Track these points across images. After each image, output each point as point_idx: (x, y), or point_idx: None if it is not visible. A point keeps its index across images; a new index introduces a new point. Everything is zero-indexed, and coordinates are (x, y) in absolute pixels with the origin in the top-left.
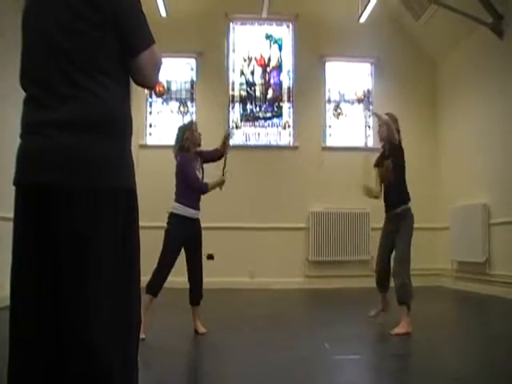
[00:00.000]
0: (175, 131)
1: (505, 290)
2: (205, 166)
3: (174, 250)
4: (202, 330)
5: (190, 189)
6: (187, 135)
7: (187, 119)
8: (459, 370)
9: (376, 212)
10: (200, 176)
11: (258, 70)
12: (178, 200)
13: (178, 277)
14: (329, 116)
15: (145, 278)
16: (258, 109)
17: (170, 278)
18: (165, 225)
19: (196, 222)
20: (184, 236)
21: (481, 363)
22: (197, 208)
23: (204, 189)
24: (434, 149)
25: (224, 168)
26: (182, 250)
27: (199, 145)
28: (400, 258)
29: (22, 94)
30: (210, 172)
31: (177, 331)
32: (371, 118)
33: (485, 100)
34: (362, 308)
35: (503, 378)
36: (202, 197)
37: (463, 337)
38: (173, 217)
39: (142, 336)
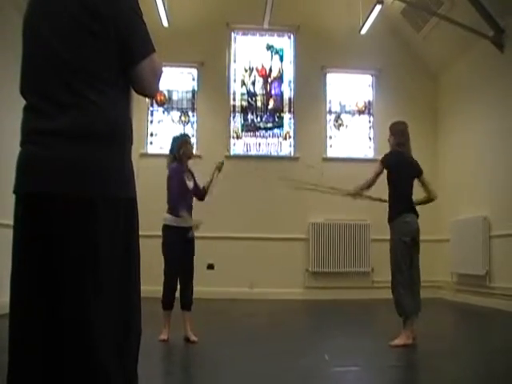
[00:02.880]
0: (171, 140)
1: (505, 302)
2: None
3: (173, 260)
4: (193, 338)
5: (177, 198)
6: (183, 149)
7: (188, 129)
8: (459, 383)
9: (376, 223)
10: (191, 185)
11: (259, 81)
12: (167, 211)
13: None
14: (329, 127)
15: (145, 287)
16: (258, 119)
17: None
18: None
19: (188, 229)
20: (179, 245)
21: (481, 376)
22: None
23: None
24: (434, 161)
25: (207, 188)
26: None
27: (190, 157)
28: (391, 273)
29: (22, 102)
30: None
31: (168, 343)
32: (372, 129)
33: (486, 113)
34: (361, 319)
35: None
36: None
37: (463, 349)
38: (164, 229)
39: (163, 337)
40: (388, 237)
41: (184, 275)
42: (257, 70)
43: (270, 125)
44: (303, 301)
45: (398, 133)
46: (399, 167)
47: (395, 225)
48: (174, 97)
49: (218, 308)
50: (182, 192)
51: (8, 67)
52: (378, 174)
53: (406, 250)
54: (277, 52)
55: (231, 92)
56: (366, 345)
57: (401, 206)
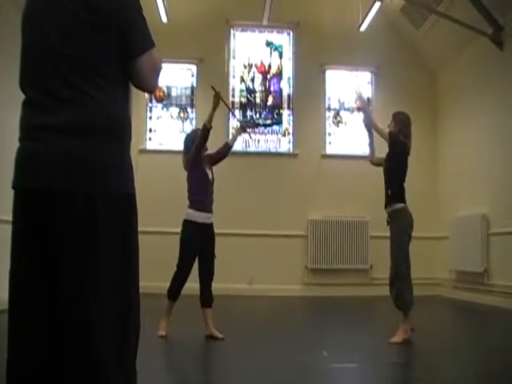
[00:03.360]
0: (183, 139)
1: (503, 300)
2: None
3: (189, 257)
4: (220, 335)
5: (200, 190)
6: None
7: (187, 125)
8: (457, 381)
9: (375, 220)
10: (210, 176)
11: (259, 77)
12: (189, 205)
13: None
14: (328, 124)
15: (144, 283)
16: (257, 115)
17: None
18: (164, 230)
19: (209, 226)
20: (198, 242)
21: (479, 374)
22: (208, 211)
23: (205, 128)
24: (433, 158)
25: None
26: None
27: (206, 149)
28: (393, 265)
29: (21, 96)
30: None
31: (169, 338)
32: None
33: (485, 110)
34: (360, 316)
35: None
36: (209, 201)
37: (461, 347)
38: (185, 223)
39: (162, 333)
40: (387, 234)
41: (204, 274)
42: (256, 66)
43: (269, 121)
44: (302, 297)
45: (401, 123)
46: (406, 153)
47: (402, 215)
48: (173, 93)
49: (216, 304)
50: (203, 183)
51: (8, 65)
52: (382, 132)
53: (408, 242)
54: (276, 49)
55: (230, 88)
56: (365, 341)
57: (403, 195)
